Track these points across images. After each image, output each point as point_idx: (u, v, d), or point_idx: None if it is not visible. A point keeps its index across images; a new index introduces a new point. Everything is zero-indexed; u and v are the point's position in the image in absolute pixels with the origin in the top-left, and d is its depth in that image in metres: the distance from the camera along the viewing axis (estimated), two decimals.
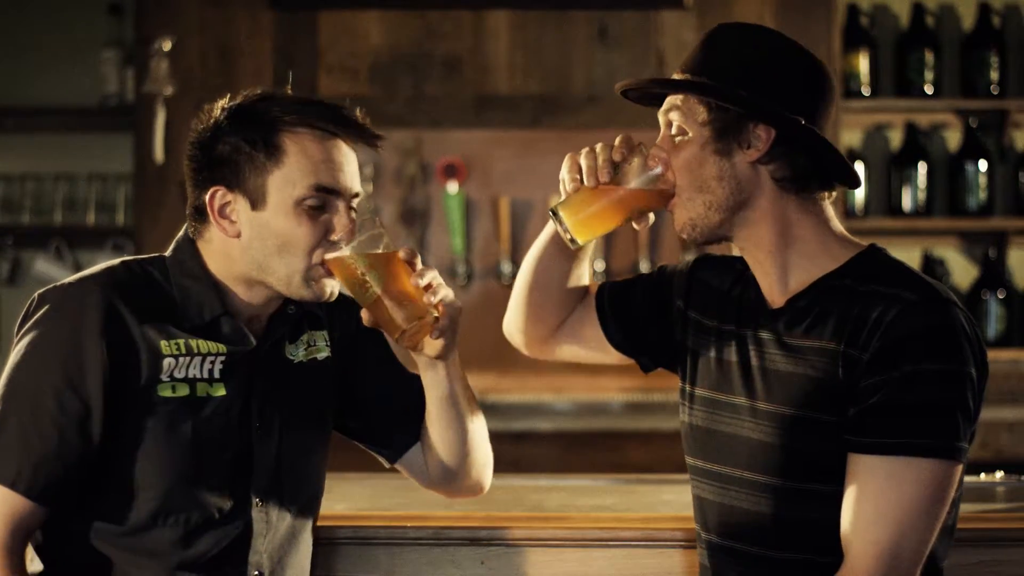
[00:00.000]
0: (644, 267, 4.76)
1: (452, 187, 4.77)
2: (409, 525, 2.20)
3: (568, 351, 2.16)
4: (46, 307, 1.90)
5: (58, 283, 1.94)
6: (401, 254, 1.93)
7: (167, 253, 2.00)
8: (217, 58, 4.80)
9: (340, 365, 2.09)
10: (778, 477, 1.85)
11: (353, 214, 1.96)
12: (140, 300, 1.92)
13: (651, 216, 1.97)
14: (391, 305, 1.91)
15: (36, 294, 1.93)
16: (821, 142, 1.86)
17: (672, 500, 2.39)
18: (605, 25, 4.80)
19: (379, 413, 2.12)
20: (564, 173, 1.95)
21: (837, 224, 1.93)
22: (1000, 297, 4.93)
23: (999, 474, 2.61)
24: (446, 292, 1.95)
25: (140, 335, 1.90)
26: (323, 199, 1.92)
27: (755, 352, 1.91)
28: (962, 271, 5.03)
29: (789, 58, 1.88)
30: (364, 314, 1.95)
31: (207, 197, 1.94)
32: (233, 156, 1.92)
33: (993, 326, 4.90)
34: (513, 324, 2.17)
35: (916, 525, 1.75)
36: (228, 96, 1.96)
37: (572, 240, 1.94)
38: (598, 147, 1.93)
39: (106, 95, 4.99)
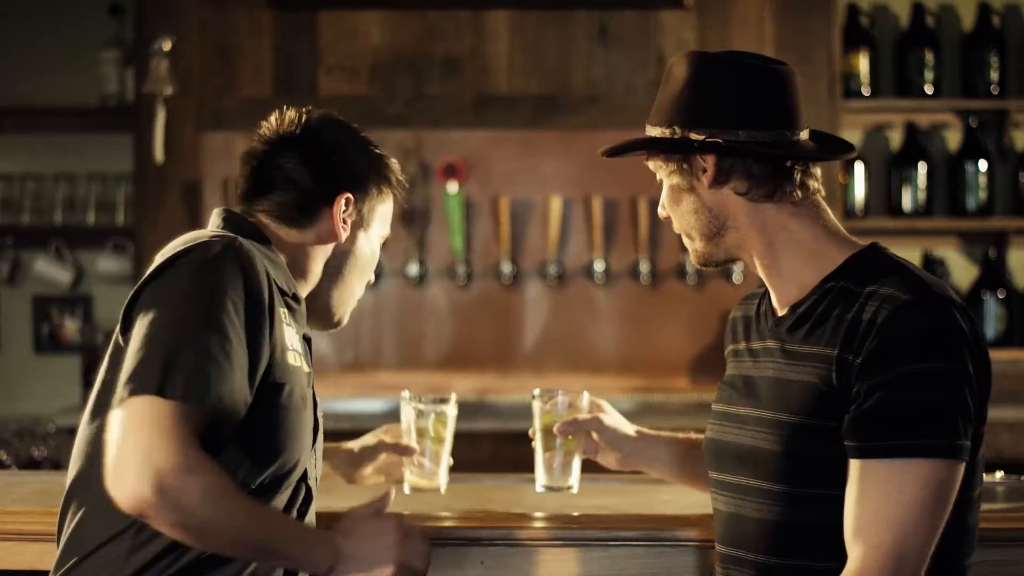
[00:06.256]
0: (644, 268, 4.76)
1: (452, 187, 4.77)
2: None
3: None
4: (199, 255, 1.84)
5: (192, 244, 1.87)
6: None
7: (229, 231, 1.97)
8: (217, 58, 4.79)
9: None
10: (781, 483, 1.85)
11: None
12: (263, 267, 1.90)
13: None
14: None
15: (171, 256, 1.86)
16: (759, 148, 1.88)
17: (672, 500, 2.39)
18: (605, 25, 4.80)
19: None
20: None
21: (833, 223, 1.93)
22: (1000, 297, 4.93)
23: (999, 474, 2.61)
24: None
25: (273, 296, 1.89)
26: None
27: (763, 363, 1.93)
28: (962, 271, 5.03)
29: (714, 78, 1.90)
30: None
31: (336, 200, 2.04)
32: (361, 174, 2.08)
33: (993, 326, 4.90)
34: None
35: (919, 526, 1.75)
36: (323, 111, 2.10)
37: None
38: None
39: (106, 95, 4.99)
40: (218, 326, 1.78)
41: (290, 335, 1.93)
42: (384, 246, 2.19)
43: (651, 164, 1.97)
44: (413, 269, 4.78)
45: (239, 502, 1.75)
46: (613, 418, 2.28)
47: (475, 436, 4.52)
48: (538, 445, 2.28)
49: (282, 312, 1.92)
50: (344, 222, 2.06)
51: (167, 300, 1.81)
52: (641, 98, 4.65)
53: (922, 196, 4.93)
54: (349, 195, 2.06)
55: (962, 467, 1.78)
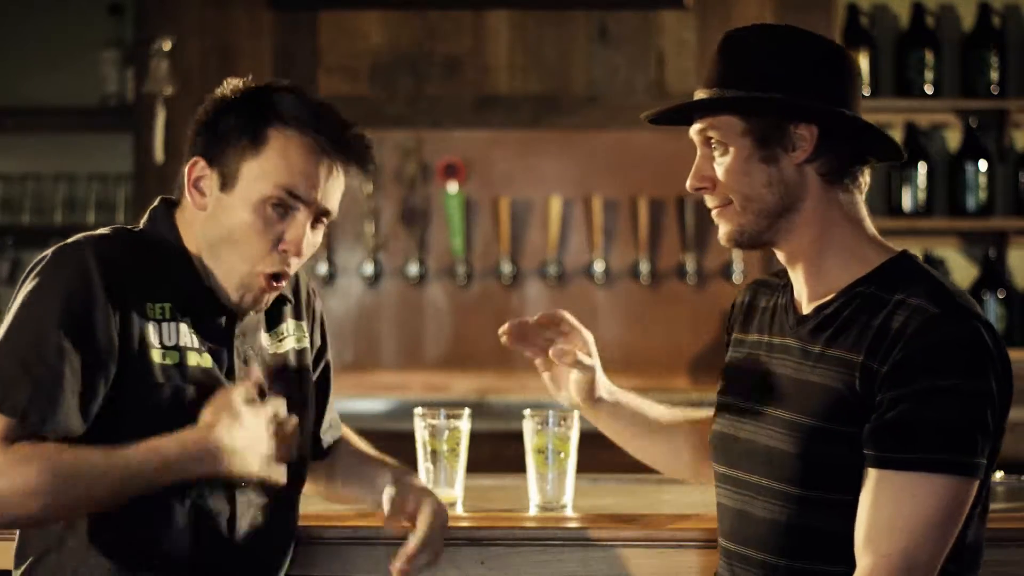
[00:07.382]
0: (644, 268, 4.76)
1: (452, 187, 4.77)
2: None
3: None
4: (44, 262, 1.89)
5: (49, 252, 1.91)
6: None
7: (143, 224, 2.00)
8: (217, 58, 4.79)
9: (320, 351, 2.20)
10: (794, 485, 1.84)
11: (311, 233, 1.94)
12: (130, 262, 1.90)
13: None
14: None
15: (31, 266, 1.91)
16: (865, 127, 1.86)
17: (672, 500, 2.39)
18: (605, 25, 4.80)
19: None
20: None
21: (871, 226, 1.92)
22: (1000, 297, 4.93)
23: (999, 474, 2.60)
24: None
25: (133, 294, 1.88)
26: (287, 203, 1.90)
27: (779, 360, 1.91)
28: (962, 271, 5.03)
29: (812, 49, 1.87)
30: None
31: (187, 166, 1.95)
32: (223, 133, 1.94)
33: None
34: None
35: (928, 539, 1.74)
36: (250, 77, 2.02)
37: None
38: None
39: (106, 95, 4.99)
40: (43, 338, 1.81)
41: (162, 332, 1.89)
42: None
43: (713, 131, 1.87)
44: (413, 269, 4.78)
45: (73, 473, 1.77)
46: (599, 371, 2.22)
47: (475, 436, 4.50)
48: (531, 465, 2.29)
49: (143, 310, 1.88)
50: (197, 188, 1.94)
51: (9, 314, 1.86)
52: (641, 98, 4.65)
53: (922, 196, 4.93)
54: (198, 158, 1.94)
55: (976, 484, 1.77)
